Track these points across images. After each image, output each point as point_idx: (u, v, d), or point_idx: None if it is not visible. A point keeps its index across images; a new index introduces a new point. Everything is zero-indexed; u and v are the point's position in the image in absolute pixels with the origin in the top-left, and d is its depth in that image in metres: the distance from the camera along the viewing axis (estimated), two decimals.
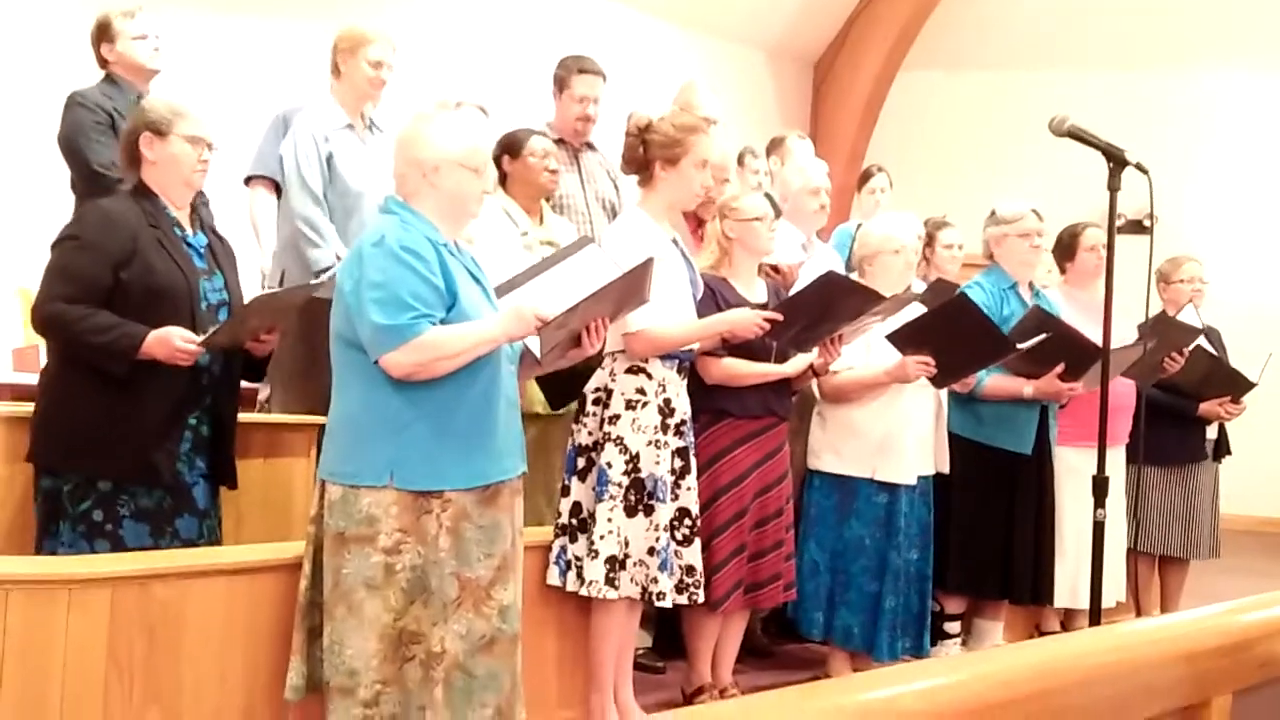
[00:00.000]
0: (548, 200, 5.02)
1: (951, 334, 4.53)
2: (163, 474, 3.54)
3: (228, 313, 3.71)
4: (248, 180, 5.46)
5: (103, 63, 4.91)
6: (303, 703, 3.30)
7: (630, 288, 3.50)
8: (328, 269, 4.48)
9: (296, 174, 4.77)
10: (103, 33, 4.89)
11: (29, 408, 3.74)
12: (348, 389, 3.26)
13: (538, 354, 3.41)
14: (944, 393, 4.92)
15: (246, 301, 3.64)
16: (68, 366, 3.58)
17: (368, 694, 3.14)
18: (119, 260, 3.51)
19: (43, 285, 3.58)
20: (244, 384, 4.03)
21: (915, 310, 4.67)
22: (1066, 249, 5.56)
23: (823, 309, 4.25)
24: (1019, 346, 4.71)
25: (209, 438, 3.71)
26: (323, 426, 4.68)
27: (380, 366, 3.14)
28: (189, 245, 3.69)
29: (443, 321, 3.16)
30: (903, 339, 4.54)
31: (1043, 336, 4.80)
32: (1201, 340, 5.66)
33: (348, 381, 3.25)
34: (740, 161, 5.65)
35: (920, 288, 5.15)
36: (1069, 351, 4.88)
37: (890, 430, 4.70)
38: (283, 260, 4.86)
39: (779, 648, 5.18)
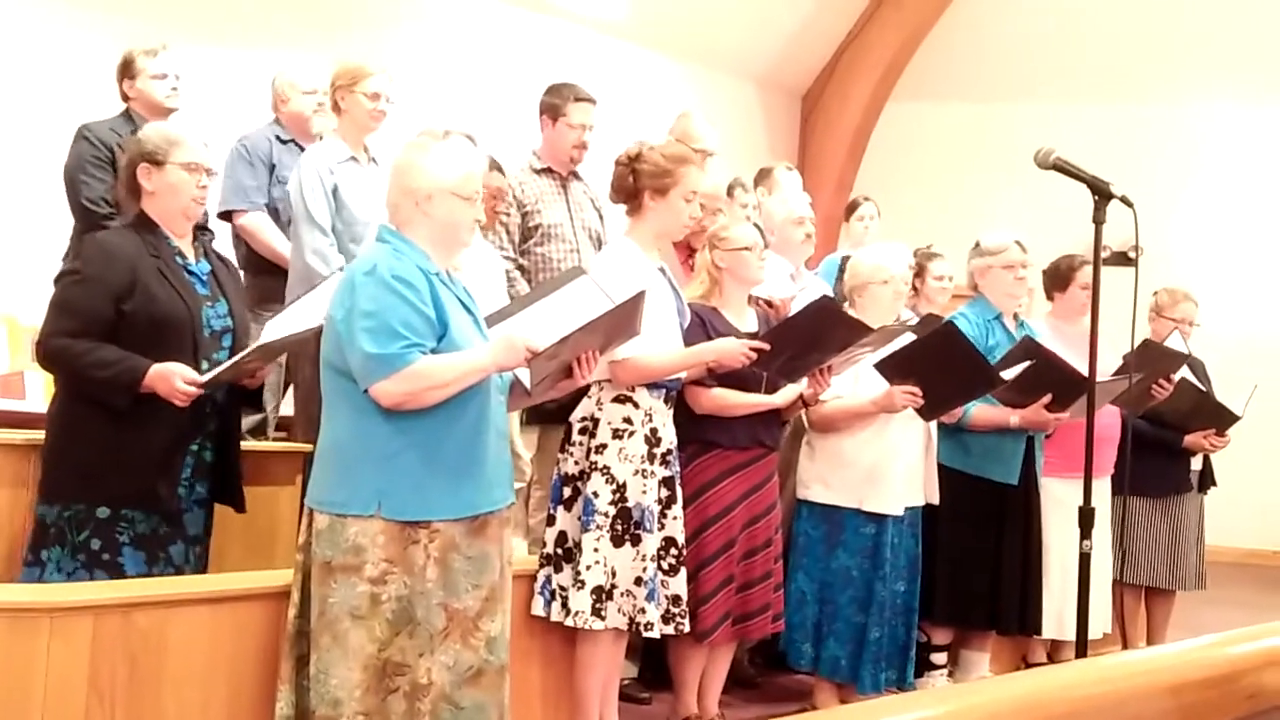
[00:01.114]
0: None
1: (939, 364, 4.53)
2: (164, 501, 3.57)
3: (231, 339, 3.75)
4: (228, 215, 5.47)
5: (124, 98, 5.05)
6: None
7: (622, 320, 3.51)
8: None
9: (304, 209, 4.80)
10: (126, 69, 5.04)
11: (17, 435, 3.79)
12: (337, 417, 3.25)
13: (528, 385, 3.40)
14: (933, 424, 4.93)
15: (249, 349, 3.66)
16: (73, 399, 3.61)
17: None
18: (119, 293, 3.54)
19: (46, 320, 3.64)
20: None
21: (906, 341, 4.67)
22: (1061, 279, 5.56)
23: (811, 339, 4.25)
24: (1003, 375, 4.72)
25: (211, 463, 3.74)
26: (309, 454, 4.71)
27: (370, 395, 3.13)
28: (191, 273, 3.72)
29: (433, 351, 3.16)
30: (890, 369, 4.54)
31: (1026, 364, 4.81)
32: (1186, 372, 5.68)
33: (337, 410, 3.25)
34: (729, 193, 5.66)
35: (911, 318, 5.16)
36: (1056, 382, 4.89)
37: (878, 461, 4.70)
38: (295, 293, 4.86)
39: (766, 679, 5.16)
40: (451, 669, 3.15)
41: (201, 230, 5.21)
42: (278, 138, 5.52)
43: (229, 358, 3.68)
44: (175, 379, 3.49)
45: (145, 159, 3.67)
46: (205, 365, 3.61)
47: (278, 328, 3.76)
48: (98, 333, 3.53)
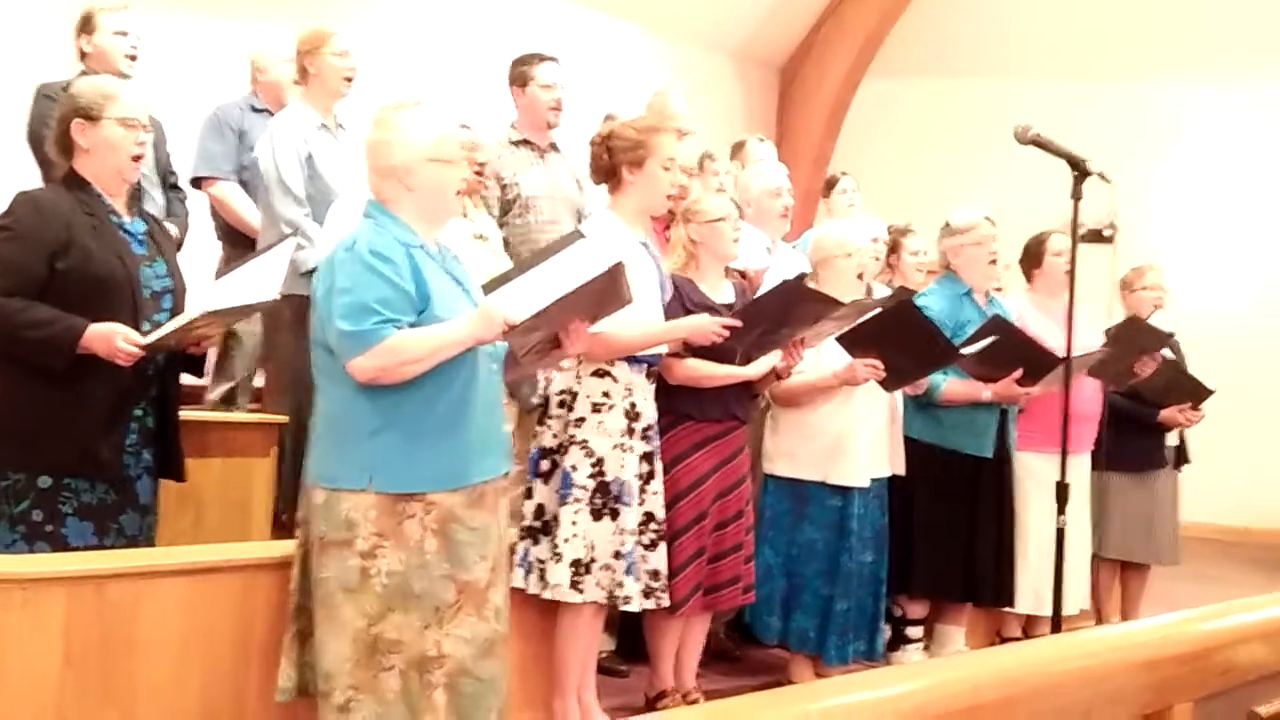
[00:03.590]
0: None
1: (899, 338, 4.56)
2: (107, 466, 3.44)
3: (171, 300, 3.60)
4: (197, 182, 5.43)
5: (81, 55, 4.88)
6: (291, 705, 3.30)
7: (606, 291, 3.45)
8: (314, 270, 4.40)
9: (277, 177, 4.73)
10: (85, 24, 4.88)
11: None
12: (327, 393, 3.26)
13: (517, 355, 3.39)
14: (899, 395, 4.94)
15: (196, 314, 3.49)
16: (4, 360, 3.42)
17: (340, 699, 3.12)
18: (54, 250, 3.39)
19: None
20: (190, 380, 3.95)
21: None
22: (1034, 256, 5.59)
23: (782, 315, 4.25)
24: (963, 352, 4.74)
25: (154, 430, 3.60)
26: (283, 425, 4.69)
27: (347, 371, 3.13)
28: (127, 232, 3.57)
29: (414, 324, 3.15)
30: (851, 342, 4.56)
31: (989, 341, 4.83)
32: (1164, 350, 5.71)
33: (327, 385, 3.25)
34: (700, 166, 5.64)
35: (885, 293, 5.16)
36: (1025, 357, 4.91)
37: (842, 433, 4.72)
38: None
39: (742, 651, 5.18)
40: (470, 642, 3.17)
41: (174, 189, 5.17)
42: (252, 107, 5.46)
43: (169, 320, 3.53)
44: (116, 338, 3.34)
45: (79, 114, 3.50)
46: (146, 326, 3.45)
47: (225, 290, 3.64)
48: (30, 292, 3.36)
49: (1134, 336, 5.55)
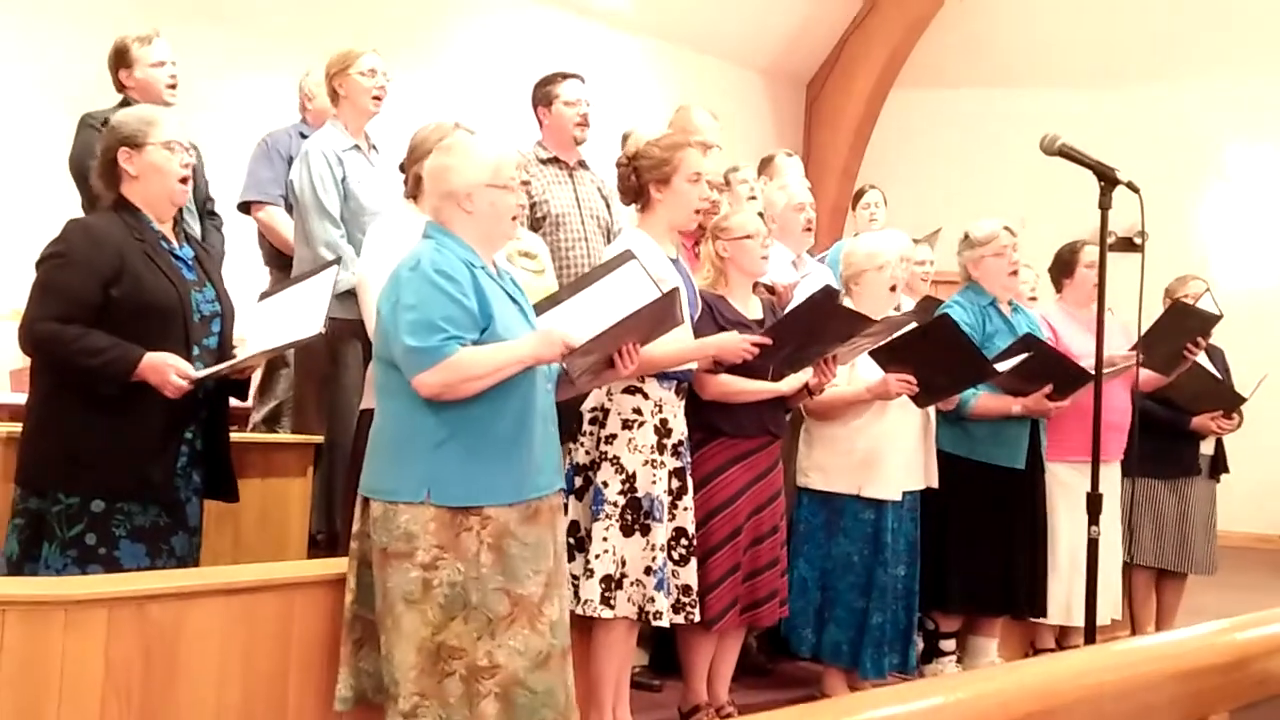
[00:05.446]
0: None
1: (933, 353, 4.55)
2: (160, 489, 3.50)
3: (220, 324, 3.68)
4: (246, 207, 5.50)
5: (120, 87, 4.95)
6: (349, 714, 3.39)
7: (659, 314, 3.52)
8: (350, 291, 4.44)
9: (314, 198, 4.75)
10: (120, 58, 4.94)
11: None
12: (387, 408, 3.33)
13: (572, 376, 3.45)
14: (931, 409, 4.94)
15: (247, 355, 3.61)
16: (58, 386, 3.49)
17: (406, 705, 3.19)
18: (108, 277, 3.45)
19: (30, 304, 3.50)
20: (235, 403, 4.02)
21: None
22: (1065, 265, 5.58)
23: (811, 332, 4.25)
24: (998, 369, 4.73)
25: (203, 452, 3.66)
26: (319, 445, 4.74)
27: (412, 386, 3.20)
28: (177, 258, 3.64)
29: (476, 342, 3.22)
30: (885, 356, 4.56)
31: (1023, 357, 4.81)
32: (1203, 358, 5.67)
33: (387, 400, 3.32)
34: (726, 181, 5.66)
35: (909, 305, 5.16)
36: (1056, 372, 4.90)
37: (876, 447, 4.72)
38: None
39: (775, 665, 5.18)
40: (523, 654, 3.22)
41: (210, 216, 5.24)
42: (300, 134, 5.51)
43: (218, 343, 3.63)
44: (170, 372, 3.41)
45: (124, 143, 3.57)
46: (196, 350, 3.53)
47: (271, 311, 3.72)
48: (85, 318, 3.42)
49: (1180, 321, 5.50)
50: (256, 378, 5.14)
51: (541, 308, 3.61)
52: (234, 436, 3.88)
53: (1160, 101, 10.70)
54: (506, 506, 3.25)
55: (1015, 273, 5.30)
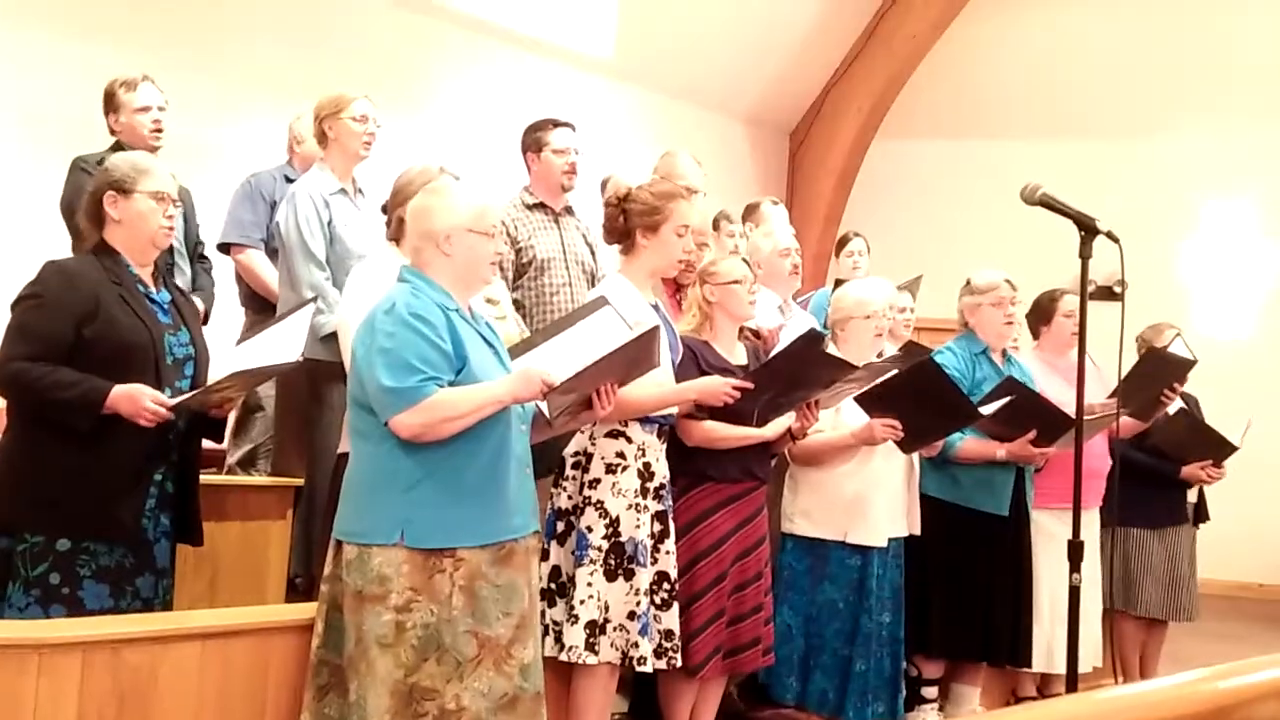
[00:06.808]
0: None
1: (919, 398, 4.56)
2: (127, 529, 3.48)
3: (194, 368, 3.69)
4: (226, 248, 5.50)
5: (111, 131, 5.01)
6: None
7: (637, 353, 3.54)
8: (334, 334, 4.43)
9: (300, 241, 4.74)
10: (109, 102, 5.01)
11: None
12: (361, 450, 3.32)
13: (549, 416, 3.44)
14: (915, 455, 4.94)
15: (223, 375, 3.60)
16: (29, 425, 3.50)
17: None
18: (81, 317, 3.47)
19: (4, 344, 3.53)
20: (209, 445, 4.00)
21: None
22: (1044, 313, 5.62)
23: (794, 377, 4.26)
24: (982, 412, 4.74)
25: (173, 494, 3.66)
26: (298, 488, 4.71)
27: (389, 428, 3.19)
28: (153, 301, 3.66)
29: (452, 384, 3.22)
30: (870, 401, 4.57)
31: (1006, 400, 4.83)
32: (1180, 403, 5.69)
33: (361, 443, 3.32)
34: (715, 226, 5.69)
35: (891, 351, 5.18)
36: (1040, 418, 4.91)
37: (861, 492, 4.72)
38: None
39: (754, 713, 5.14)
40: (486, 695, 3.20)
41: (201, 259, 5.24)
42: (286, 177, 5.52)
43: (190, 386, 3.63)
44: (143, 399, 3.42)
45: (112, 187, 3.62)
46: (168, 392, 3.53)
47: (250, 353, 3.73)
48: (57, 357, 3.44)
49: (1157, 368, 5.53)
50: (231, 419, 5.11)
51: (516, 351, 3.62)
52: (214, 478, 3.88)
53: (1138, 154, 10.80)
54: (479, 549, 3.24)
55: (1011, 323, 5.34)
